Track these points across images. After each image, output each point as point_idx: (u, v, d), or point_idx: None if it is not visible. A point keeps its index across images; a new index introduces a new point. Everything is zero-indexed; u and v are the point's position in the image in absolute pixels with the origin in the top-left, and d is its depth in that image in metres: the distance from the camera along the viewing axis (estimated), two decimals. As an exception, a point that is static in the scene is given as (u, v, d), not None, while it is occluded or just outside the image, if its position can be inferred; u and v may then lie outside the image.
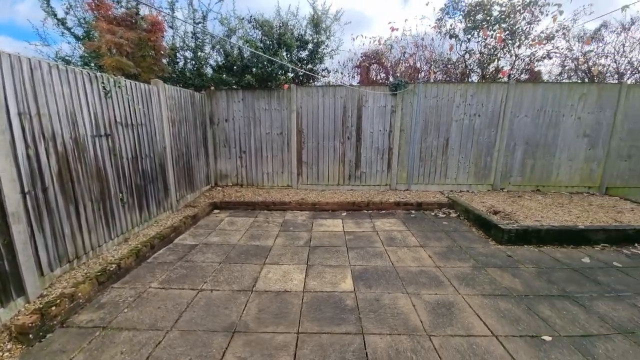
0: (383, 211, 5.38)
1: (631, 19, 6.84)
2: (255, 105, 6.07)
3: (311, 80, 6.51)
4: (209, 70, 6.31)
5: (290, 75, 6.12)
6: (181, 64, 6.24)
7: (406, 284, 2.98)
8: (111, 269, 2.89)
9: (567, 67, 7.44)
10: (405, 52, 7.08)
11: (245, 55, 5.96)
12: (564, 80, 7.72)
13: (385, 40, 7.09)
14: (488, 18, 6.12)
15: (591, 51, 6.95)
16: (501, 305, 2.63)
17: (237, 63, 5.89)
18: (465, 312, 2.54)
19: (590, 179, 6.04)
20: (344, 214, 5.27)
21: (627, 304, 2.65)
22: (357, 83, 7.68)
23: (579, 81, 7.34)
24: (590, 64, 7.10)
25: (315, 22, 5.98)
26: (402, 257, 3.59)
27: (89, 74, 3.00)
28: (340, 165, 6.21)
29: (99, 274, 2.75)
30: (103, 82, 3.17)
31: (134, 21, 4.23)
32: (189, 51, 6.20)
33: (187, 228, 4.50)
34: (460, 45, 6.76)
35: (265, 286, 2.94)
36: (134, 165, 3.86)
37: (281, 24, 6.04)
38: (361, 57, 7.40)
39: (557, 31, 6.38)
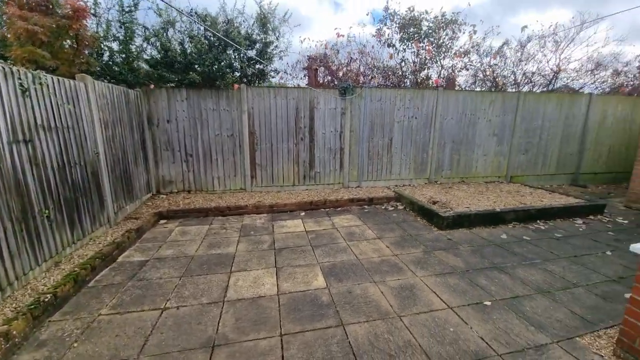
0: (339, 208, 5.66)
1: (527, 36, 8.56)
2: (202, 105, 5.70)
3: (261, 81, 6.40)
4: (143, 66, 5.66)
5: (237, 74, 5.91)
6: (106, 56, 5.45)
7: (372, 274, 3.24)
8: (46, 299, 2.44)
9: (478, 77, 8.90)
10: (351, 58, 7.52)
11: (188, 51, 5.53)
12: (477, 89, 9.21)
13: (333, 46, 7.40)
14: (419, 32, 6.94)
15: (496, 64, 8.46)
16: (450, 282, 3.09)
17: (179, 59, 5.43)
18: (425, 292, 2.90)
19: (499, 170, 7.37)
20: (303, 213, 5.37)
21: (539, 269, 3.38)
22: (306, 84, 7.82)
23: (488, 90, 8.86)
24: (495, 75, 8.64)
25: (262, 21, 5.89)
26: (363, 249, 3.87)
27: (3, 68, 2.44)
28: (295, 166, 6.28)
29: (32, 307, 2.29)
30: (20, 78, 2.61)
31: (50, 6, 3.54)
32: (116, 42, 5.45)
33: (132, 243, 4.01)
34: (397, 53, 7.51)
35: (238, 295, 2.86)
36: (62, 175, 3.28)
37: (227, 20, 5.78)
38: (308, 59, 7.56)
39: (472, 47, 7.63)
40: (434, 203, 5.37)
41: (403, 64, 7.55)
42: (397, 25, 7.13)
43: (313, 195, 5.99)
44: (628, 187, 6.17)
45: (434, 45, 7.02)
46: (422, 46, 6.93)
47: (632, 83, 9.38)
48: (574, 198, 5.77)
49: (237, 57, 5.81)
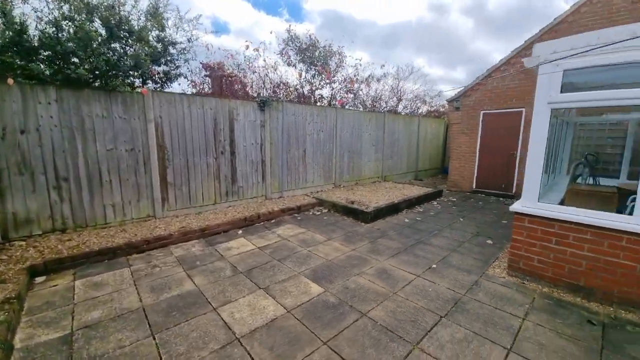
0: (273, 220, 5.65)
1: (384, 73, 11.45)
2: (84, 110, 4.22)
3: (166, 86, 5.42)
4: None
5: (137, 74, 4.79)
6: None
7: (350, 269, 3.66)
8: None
9: (359, 100, 11.10)
10: (260, 72, 7.54)
11: (64, 38, 4.00)
12: (359, 108, 11.40)
13: (246, 57, 7.18)
14: (313, 56, 7.96)
15: (364, 91, 10.85)
16: (403, 259, 3.97)
17: (46, 43, 3.82)
18: (394, 270, 3.63)
19: (377, 172, 9.48)
20: (240, 231, 5.03)
21: (440, 236, 4.86)
22: (209, 91, 7.17)
23: (364, 110, 11.15)
24: (371, 98, 11.04)
25: (156, 16, 5.04)
26: (326, 252, 4.21)
27: None
28: (216, 182, 5.70)
29: None
30: None
31: None
32: None
33: (19, 319, 2.58)
34: (300, 74, 8.23)
35: (246, 326, 2.56)
36: None
37: (110, 6, 4.58)
38: (210, 68, 6.97)
39: (354, 75, 9.50)
40: (352, 203, 6.37)
41: (305, 82, 8.38)
42: (297, 48, 7.88)
43: (241, 210, 5.66)
44: (447, 177, 9.54)
45: (324, 70, 8.27)
46: (317, 70, 8.00)
47: (439, 110, 14.46)
48: (426, 187, 8.34)
49: (135, 52, 4.70)
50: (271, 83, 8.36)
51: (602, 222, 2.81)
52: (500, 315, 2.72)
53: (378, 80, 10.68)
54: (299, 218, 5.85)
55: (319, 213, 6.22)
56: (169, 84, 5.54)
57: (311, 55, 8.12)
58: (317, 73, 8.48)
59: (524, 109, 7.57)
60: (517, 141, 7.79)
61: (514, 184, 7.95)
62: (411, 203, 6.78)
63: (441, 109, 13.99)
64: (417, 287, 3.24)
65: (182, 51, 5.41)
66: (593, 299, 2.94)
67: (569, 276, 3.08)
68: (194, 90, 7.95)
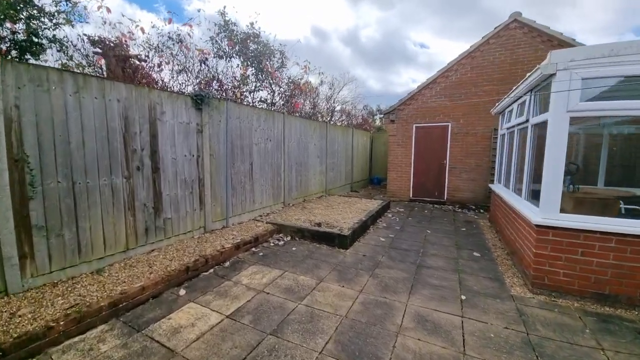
0: (227, 262, 4.01)
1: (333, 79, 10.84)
2: None
3: (36, 58, 3.05)
4: None
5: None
6: None
7: (380, 324, 2.65)
8: None
9: (304, 109, 10.11)
10: (185, 56, 5.49)
11: None
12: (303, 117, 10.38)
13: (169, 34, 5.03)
14: (255, 50, 6.57)
15: (317, 96, 10.01)
16: (426, 294, 3.25)
17: None
18: (433, 316, 2.85)
19: (322, 186, 8.74)
20: (183, 291, 3.23)
21: (431, 255, 4.42)
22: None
23: (312, 119, 10.24)
24: (309, 107, 10.21)
25: None
26: (330, 302, 3.05)
27: None
28: (129, 215, 3.61)
29: None
30: None
31: None
32: None
33: None
34: (232, 69, 6.61)
35: None
36: None
37: None
38: (108, 43, 4.57)
39: (300, 78, 8.50)
40: (320, 225, 5.35)
41: (247, 81, 6.80)
42: (235, 37, 6.31)
43: (174, 255, 3.76)
44: (376, 187, 9.70)
45: (265, 69, 7.00)
46: (260, 66, 6.65)
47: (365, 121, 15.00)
48: (374, 200, 8.14)
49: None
50: (202, 75, 6.47)
51: (627, 229, 2.84)
52: (584, 352, 2.30)
53: (316, 88, 10.11)
54: (260, 254, 4.39)
55: (282, 243, 4.90)
56: (34, 55, 3.21)
57: (254, 49, 6.73)
58: (258, 71, 7.13)
59: (449, 124, 8.40)
60: (445, 152, 8.56)
61: (445, 191, 8.68)
62: (374, 218, 6.29)
63: (372, 121, 14.72)
64: (476, 335, 2.54)
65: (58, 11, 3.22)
66: (619, 305, 2.94)
67: (595, 286, 3.02)
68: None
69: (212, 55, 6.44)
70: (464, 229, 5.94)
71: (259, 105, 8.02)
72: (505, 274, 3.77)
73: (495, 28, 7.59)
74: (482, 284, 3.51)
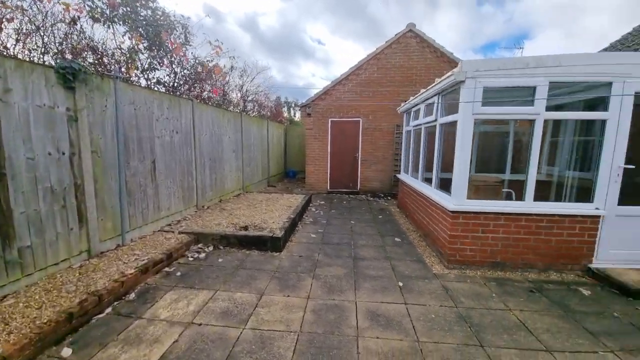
0: (132, 294, 3.06)
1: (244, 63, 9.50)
2: None
3: None
4: None
5: None
6: None
7: (337, 329, 2.53)
8: None
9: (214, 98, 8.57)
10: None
11: None
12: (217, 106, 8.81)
13: None
14: (145, 18, 5.06)
15: (226, 83, 8.64)
16: (369, 287, 3.33)
17: None
18: (382, 308, 2.93)
19: (239, 183, 7.97)
20: (67, 351, 2.26)
21: (361, 246, 4.62)
22: None
23: (224, 108, 8.85)
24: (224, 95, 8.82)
25: None
26: (279, 317, 2.73)
27: None
28: (-54, 253, 2.23)
29: None
30: None
31: None
32: None
33: None
34: (117, 38, 4.88)
35: None
36: None
37: None
38: None
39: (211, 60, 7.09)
40: (247, 229, 4.81)
41: (136, 56, 5.10)
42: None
43: (53, 300, 2.60)
44: (292, 181, 9.69)
45: (166, 43, 5.57)
46: (157, 39, 5.19)
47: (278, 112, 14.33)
48: (299, 195, 8.02)
49: None
50: (71, 42, 4.56)
51: (511, 209, 3.62)
52: (500, 315, 2.80)
53: (227, 74, 8.94)
54: (178, 273, 3.58)
55: (204, 255, 4.17)
56: None
57: (146, 16, 5.19)
58: (153, 45, 5.61)
59: (360, 119, 9.04)
60: (358, 146, 9.20)
61: (358, 182, 9.38)
62: (300, 214, 6.16)
63: (286, 113, 14.25)
64: (421, 319, 2.73)
65: None
66: (507, 269, 3.75)
67: (490, 257, 3.75)
68: None
69: (85, 15, 4.68)
70: (380, 217, 6.52)
71: (156, 88, 6.53)
72: (425, 255, 4.29)
73: (395, 35, 8.50)
74: (410, 267, 3.88)
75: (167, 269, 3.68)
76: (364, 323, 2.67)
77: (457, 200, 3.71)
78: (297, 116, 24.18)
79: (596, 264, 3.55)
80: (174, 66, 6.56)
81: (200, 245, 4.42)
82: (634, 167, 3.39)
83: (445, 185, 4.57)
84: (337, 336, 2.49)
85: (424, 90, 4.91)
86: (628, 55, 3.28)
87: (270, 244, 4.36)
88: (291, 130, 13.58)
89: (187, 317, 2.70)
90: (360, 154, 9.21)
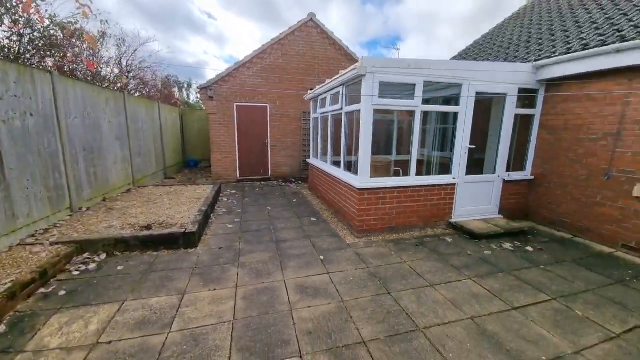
0: (1, 325, 2.30)
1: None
2: None
3: None
4: None
5: None
6: None
7: (276, 307, 2.66)
8: None
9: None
10: None
11: None
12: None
13: None
14: None
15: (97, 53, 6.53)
16: (294, 265, 3.56)
17: None
18: (307, 281, 3.21)
19: (128, 177, 6.70)
20: None
21: (280, 229, 4.79)
22: None
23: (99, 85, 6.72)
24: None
25: None
26: (196, 310, 2.63)
27: None
28: None
29: None
30: None
31: None
32: None
33: None
34: None
35: None
36: None
37: None
38: None
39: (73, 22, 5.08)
40: (149, 227, 4.21)
41: None
42: None
43: None
44: (195, 171, 8.98)
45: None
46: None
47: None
48: (207, 186, 7.41)
49: None
50: None
51: (401, 183, 4.47)
52: (398, 267, 3.51)
53: (99, 41, 6.96)
54: (62, 292, 2.88)
55: (95, 266, 3.45)
56: None
57: None
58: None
59: (268, 105, 8.95)
60: (267, 131, 9.13)
61: (269, 168, 9.39)
62: (212, 205, 5.79)
63: (179, 95, 12.34)
64: (343, 283, 3.15)
65: None
66: (400, 232, 4.64)
67: (388, 223, 4.56)
68: None
69: None
70: (295, 200, 6.82)
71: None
72: (338, 230, 4.82)
73: (298, 22, 8.66)
74: (327, 242, 4.31)
75: (43, 289, 2.89)
76: (295, 297, 2.88)
77: (363, 179, 4.31)
78: (193, 98, 21.69)
79: (454, 219, 4.85)
80: (19, 26, 4.70)
81: (86, 255, 3.62)
82: (474, 146, 4.73)
83: (350, 167, 5.18)
84: (272, 314, 2.61)
85: (330, 80, 5.31)
86: (470, 64, 4.48)
87: (183, 241, 3.99)
88: (189, 115, 12.13)
89: (89, 339, 2.26)
90: (269, 140, 9.18)
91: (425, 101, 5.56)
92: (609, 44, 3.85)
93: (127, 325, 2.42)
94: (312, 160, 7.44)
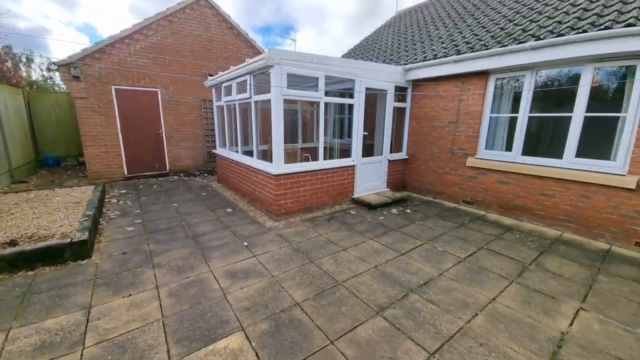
0: None
1: None
2: None
3: None
4: None
5: None
6: None
7: (206, 303, 2.68)
8: None
9: None
10: None
11: None
12: None
13: None
14: None
15: None
16: (217, 255, 3.56)
17: None
18: (237, 266, 3.30)
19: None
20: None
21: (196, 225, 4.57)
22: None
23: None
24: None
25: None
26: (112, 320, 2.43)
27: None
28: None
29: None
30: None
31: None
32: None
33: None
34: None
35: None
36: None
37: None
38: None
39: None
40: (14, 243, 3.28)
41: None
42: None
43: None
44: (57, 171, 7.31)
45: None
46: None
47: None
48: (81, 187, 6.05)
49: None
50: None
51: (313, 168, 4.95)
52: (317, 240, 3.99)
53: None
54: None
55: None
56: None
57: None
58: None
59: (158, 90, 7.89)
60: (160, 120, 8.07)
61: (167, 162, 8.40)
62: (99, 209, 4.88)
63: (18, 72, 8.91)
64: (270, 262, 3.39)
65: None
66: (314, 211, 5.17)
67: (303, 204, 5.01)
68: None
69: None
70: (204, 194, 6.46)
71: None
72: (257, 217, 4.96)
73: (188, -1, 7.86)
74: (248, 229, 4.42)
75: None
76: (225, 283, 2.95)
77: (278, 165, 4.57)
78: (37, 76, 16.50)
79: (356, 195, 5.74)
80: None
81: None
82: (367, 133, 5.67)
83: (264, 155, 5.34)
84: (206, 302, 2.63)
85: (235, 67, 5.22)
86: (361, 63, 5.28)
87: (71, 252, 3.32)
88: (40, 99, 9.26)
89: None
90: (164, 130, 8.16)
91: (326, 93, 6.22)
92: (449, 56, 5.30)
93: (25, 353, 2.00)
94: (219, 151, 7.13)
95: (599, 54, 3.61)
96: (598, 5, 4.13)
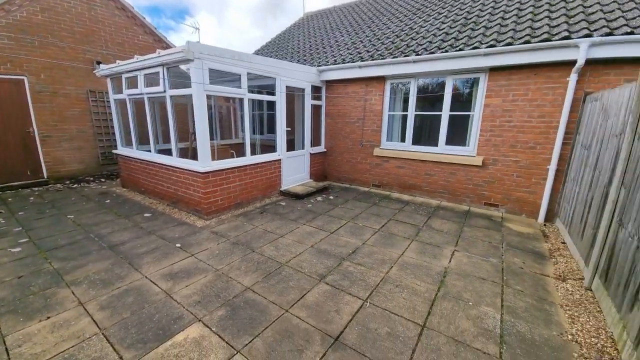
0: None
1: None
2: None
3: None
4: None
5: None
6: None
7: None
8: None
9: None
10: None
11: None
12: None
13: None
14: None
15: None
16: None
17: None
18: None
19: None
20: None
21: (117, 234, 4.05)
22: None
23: None
24: None
25: None
26: (40, 345, 2.16)
27: None
28: None
29: None
30: None
31: None
32: None
33: None
34: None
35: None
36: None
37: None
38: None
39: None
40: None
41: None
42: None
43: None
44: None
45: None
46: None
47: None
48: None
49: None
50: None
51: (241, 163, 5.01)
52: (254, 231, 4.16)
53: None
54: None
55: None
56: None
57: None
58: None
59: (25, 78, 6.27)
60: (29, 116, 6.44)
61: (44, 168, 6.78)
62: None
63: None
64: (211, 259, 3.42)
65: None
66: (244, 206, 5.24)
67: (234, 200, 5.03)
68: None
69: None
70: (108, 201, 5.61)
71: None
72: (183, 217, 4.72)
73: (61, -32, 6.43)
74: (177, 231, 4.20)
75: None
76: (167, 285, 2.87)
77: (205, 163, 4.47)
78: None
79: (283, 187, 6.07)
80: None
81: None
82: (290, 129, 6.04)
83: (185, 154, 5.08)
84: (149, 306, 2.55)
85: (143, 57, 4.73)
86: (280, 62, 5.57)
87: None
88: None
89: None
90: (36, 128, 6.54)
91: (252, 90, 6.29)
92: (355, 62, 6.16)
93: None
94: (123, 151, 6.25)
95: (456, 68, 4.97)
96: (455, 31, 5.60)
